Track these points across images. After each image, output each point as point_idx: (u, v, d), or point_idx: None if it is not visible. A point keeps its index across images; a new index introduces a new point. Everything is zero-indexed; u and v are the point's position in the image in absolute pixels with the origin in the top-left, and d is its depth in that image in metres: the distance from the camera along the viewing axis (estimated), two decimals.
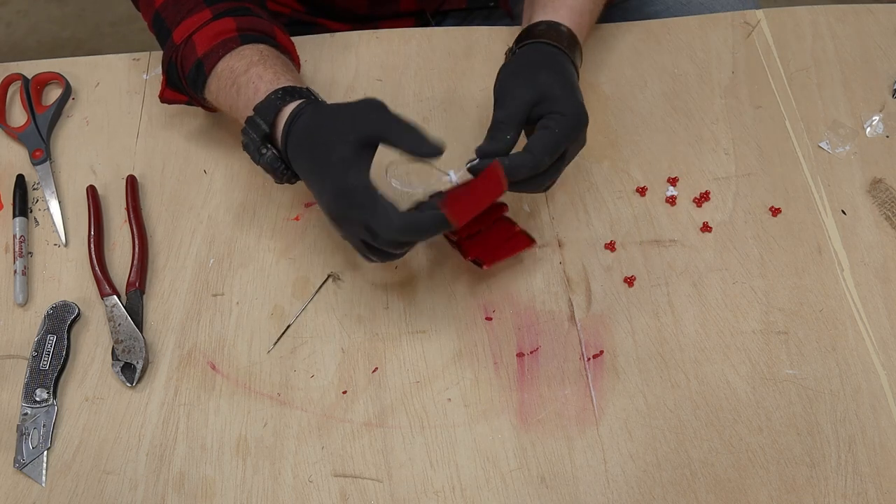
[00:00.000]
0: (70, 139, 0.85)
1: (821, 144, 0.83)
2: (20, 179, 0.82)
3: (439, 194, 0.65)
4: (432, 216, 0.61)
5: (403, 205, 0.63)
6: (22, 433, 0.69)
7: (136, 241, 0.77)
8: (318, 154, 0.64)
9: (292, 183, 0.71)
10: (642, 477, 0.67)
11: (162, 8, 0.76)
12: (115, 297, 0.74)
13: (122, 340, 0.72)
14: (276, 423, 0.70)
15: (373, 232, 0.62)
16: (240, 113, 0.71)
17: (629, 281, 0.75)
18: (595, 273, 0.76)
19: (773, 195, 0.80)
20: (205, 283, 0.76)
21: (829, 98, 0.86)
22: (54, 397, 0.70)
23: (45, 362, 0.71)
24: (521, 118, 0.68)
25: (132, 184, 0.81)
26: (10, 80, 0.88)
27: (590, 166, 0.82)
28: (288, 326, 0.74)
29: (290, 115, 0.67)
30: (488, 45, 0.90)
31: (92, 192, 0.80)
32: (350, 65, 0.89)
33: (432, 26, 0.96)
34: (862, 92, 0.86)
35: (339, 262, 0.77)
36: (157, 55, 0.89)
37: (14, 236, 0.78)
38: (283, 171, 0.69)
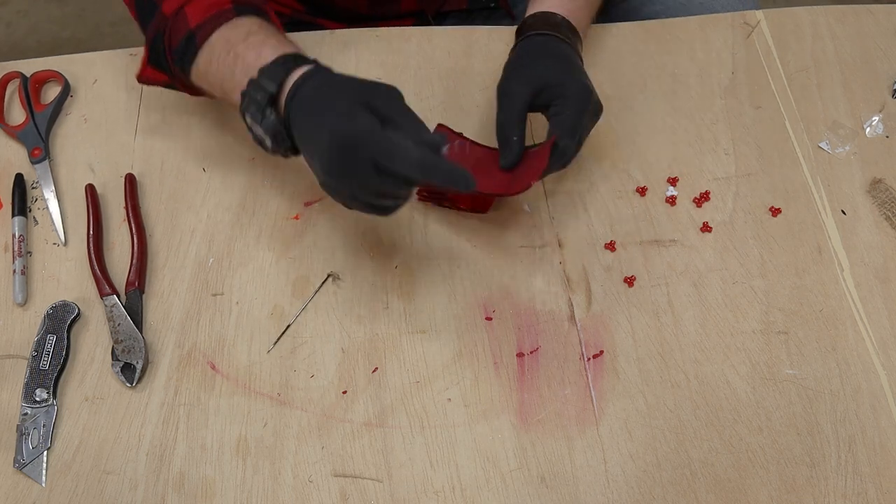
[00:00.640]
0: (69, 137, 0.85)
1: (821, 145, 0.83)
2: (19, 178, 0.81)
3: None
4: (454, 170, 0.59)
5: None
6: (22, 433, 0.69)
7: (136, 241, 0.77)
8: (323, 107, 0.62)
9: (286, 156, 0.68)
10: (642, 477, 0.67)
11: None
12: (114, 296, 0.74)
13: (121, 340, 0.72)
14: (276, 423, 0.69)
15: (384, 169, 0.58)
16: (235, 81, 0.68)
17: (629, 281, 0.75)
18: (595, 273, 0.76)
19: (773, 195, 0.80)
20: (204, 283, 0.76)
21: (829, 98, 0.86)
22: (54, 397, 0.70)
23: (44, 362, 0.71)
24: (521, 115, 0.70)
25: (131, 182, 0.80)
26: (8, 78, 0.88)
27: (590, 166, 0.82)
28: (288, 326, 0.74)
29: (298, 78, 0.64)
30: (488, 45, 0.90)
31: (91, 190, 0.80)
32: (350, 63, 0.89)
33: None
34: (862, 92, 0.86)
35: (339, 262, 0.77)
36: None
37: (13, 236, 0.78)
38: (283, 137, 0.66)
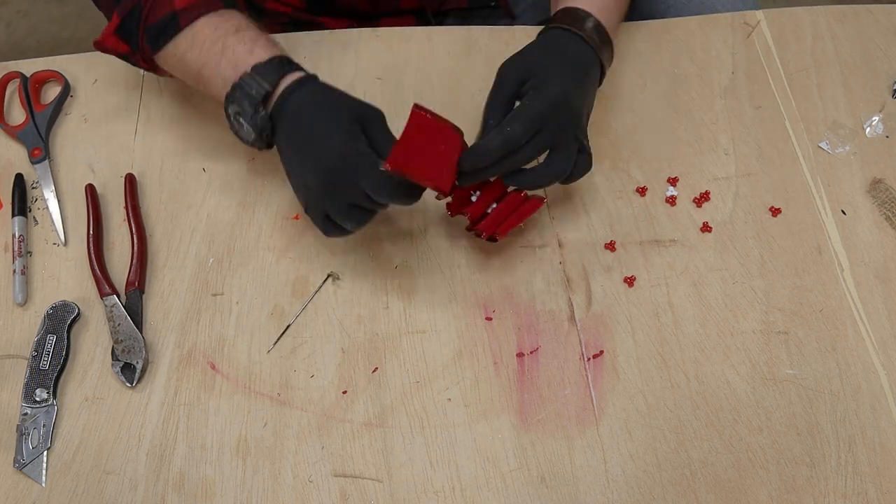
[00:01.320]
0: (69, 137, 0.85)
1: (821, 145, 0.83)
2: (19, 178, 0.81)
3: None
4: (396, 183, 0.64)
5: None
6: (22, 433, 0.69)
7: (135, 241, 0.77)
8: (321, 123, 0.66)
9: (260, 149, 0.71)
10: (642, 477, 0.67)
11: None
12: (114, 296, 0.74)
13: (121, 340, 0.72)
14: (276, 423, 0.69)
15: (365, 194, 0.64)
16: (219, 70, 0.69)
17: (629, 281, 0.75)
18: (595, 273, 0.76)
19: (773, 195, 0.80)
20: (204, 283, 0.76)
21: (829, 98, 0.86)
22: (54, 397, 0.70)
23: (44, 362, 0.71)
24: (507, 97, 0.69)
25: (131, 182, 0.80)
26: (8, 78, 0.88)
27: None
28: (288, 326, 0.74)
29: (291, 84, 0.68)
30: (488, 45, 0.90)
31: (91, 190, 0.80)
32: (349, 63, 0.88)
33: (433, 26, 0.96)
34: (862, 92, 0.86)
35: (338, 262, 0.77)
36: None
37: (13, 236, 0.78)
38: (268, 135, 0.69)
